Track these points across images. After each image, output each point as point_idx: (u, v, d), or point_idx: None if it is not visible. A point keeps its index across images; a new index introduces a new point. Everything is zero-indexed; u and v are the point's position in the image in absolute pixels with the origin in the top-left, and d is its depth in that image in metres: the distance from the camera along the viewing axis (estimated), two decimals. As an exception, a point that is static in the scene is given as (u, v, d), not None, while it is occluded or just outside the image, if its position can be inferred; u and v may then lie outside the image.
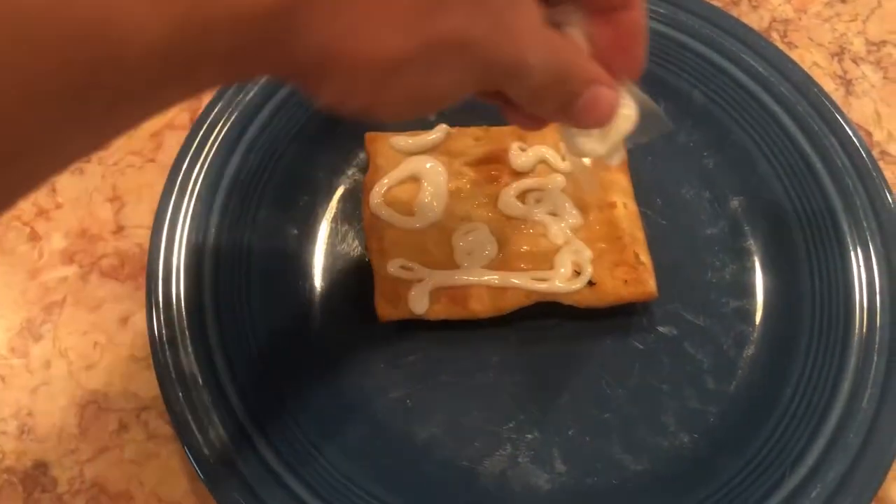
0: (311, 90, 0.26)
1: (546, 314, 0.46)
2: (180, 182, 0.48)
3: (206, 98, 0.53)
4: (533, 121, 0.36)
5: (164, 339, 0.44)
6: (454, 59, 0.26)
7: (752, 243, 0.49)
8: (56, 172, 0.24)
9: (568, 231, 0.46)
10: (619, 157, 0.41)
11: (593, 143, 0.37)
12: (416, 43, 0.25)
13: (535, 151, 0.48)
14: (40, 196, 0.51)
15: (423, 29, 0.24)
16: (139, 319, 0.47)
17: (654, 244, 0.47)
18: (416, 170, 0.48)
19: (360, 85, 0.25)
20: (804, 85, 0.51)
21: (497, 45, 0.27)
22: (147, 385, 0.46)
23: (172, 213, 0.47)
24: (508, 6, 0.27)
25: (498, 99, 0.34)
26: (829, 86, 0.56)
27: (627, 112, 0.36)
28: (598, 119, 0.34)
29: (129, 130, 0.24)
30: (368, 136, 0.50)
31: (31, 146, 0.22)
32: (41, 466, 0.44)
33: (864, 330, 0.45)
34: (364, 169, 0.50)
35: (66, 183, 0.52)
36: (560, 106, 0.33)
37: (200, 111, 0.50)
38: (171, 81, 0.23)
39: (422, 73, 0.26)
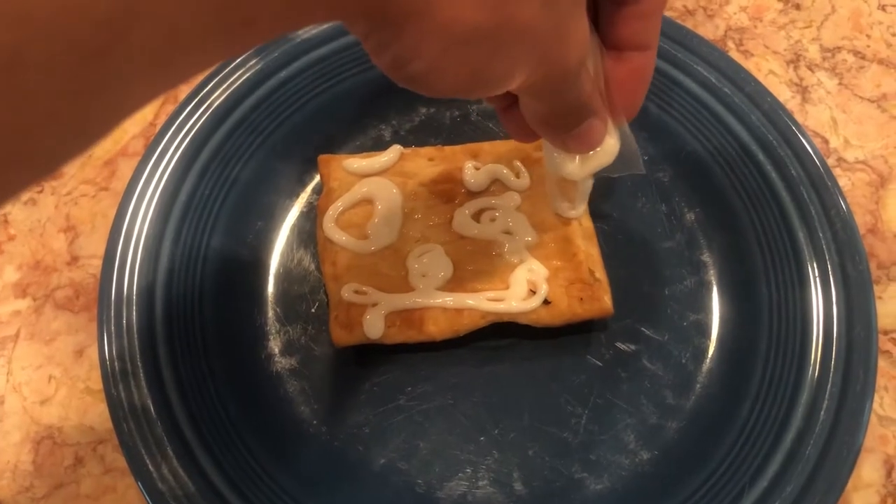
0: (382, 41, 0.26)
1: (503, 334, 0.46)
2: (132, 210, 0.47)
3: (160, 123, 0.52)
4: (526, 134, 0.37)
5: (117, 370, 0.43)
6: (517, 46, 0.27)
7: (708, 256, 0.49)
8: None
9: (523, 249, 0.46)
10: (589, 185, 0.43)
11: (571, 166, 0.40)
12: (492, 19, 0.26)
13: (489, 170, 0.48)
14: (-8, 228, 0.51)
15: (503, 9, 0.26)
16: (94, 351, 0.47)
17: (611, 259, 0.47)
18: (370, 192, 0.48)
19: (431, 46, 0.26)
20: (758, 95, 0.51)
21: (555, 46, 0.29)
22: (103, 418, 0.45)
23: (124, 242, 0.46)
24: (571, 15, 0.29)
25: (504, 101, 0.35)
26: (786, 93, 0.56)
27: (610, 147, 0.38)
28: (585, 148, 0.37)
29: (186, 80, 0.23)
30: (322, 158, 0.50)
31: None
32: (-5, 505, 0.44)
33: (821, 341, 0.45)
34: (319, 191, 0.50)
35: (19, 214, 0.51)
36: (562, 128, 0.35)
37: (153, 137, 0.50)
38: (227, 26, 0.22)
39: (487, 51, 0.27)
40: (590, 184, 0.44)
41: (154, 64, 0.21)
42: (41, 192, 0.52)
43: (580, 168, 0.40)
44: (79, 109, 0.20)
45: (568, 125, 0.35)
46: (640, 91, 0.37)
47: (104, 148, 0.53)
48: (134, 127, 0.54)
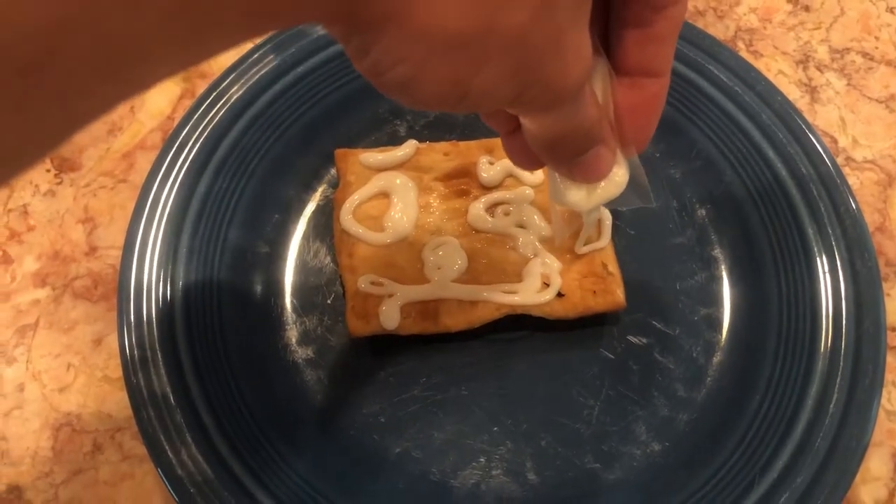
0: (362, 46, 0.25)
1: (516, 326, 0.46)
2: (151, 202, 0.48)
3: (178, 118, 0.53)
4: (530, 161, 0.35)
5: (136, 359, 0.44)
6: (505, 57, 0.25)
7: (719, 251, 0.49)
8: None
9: (537, 243, 0.47)
10: (595, 216, 0.42)
11: (577, 196, 0.38)
12: (477, 26, 0.24)
13: (503, 165, 0.49)
14: (12, 219, 0.51)
15: (488, 15, 0.24)
16: (112, 340, 0.47)
17: (623, 254, 0.48)
18: (386, 185, 0.48)
19: (413, 52, 0.24)
20: (768, 94, 0.52)
21: (550, 60, 0.26)
22: (120, 406, 0.46)
23: (143, 234, 0.47)
24: (570, 27, 0.26)
25: (506, 124, 0.33)
26: (795, 93, 0.57)
27: (619, 179, 0.36)
28: (591, 178, 0.35)
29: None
30: (338, 152, 0.50)
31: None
32: (15, 490, 0.44)
33: (831, 335, 0.45)
34: (335, 185, 0.51)
35: (38, 205, 0.52)
36: (566, 155, 0.33)
37: (171, 131, 0.50)
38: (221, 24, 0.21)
39: (472, 60, 0.25)
40: (596, 216, 0.43)
41: (100, 77, 0.19)
42: (60, 183, 0.53)
43: (586, 199, 0.38)
44: (15, 126, 0.19)
45: (572, 152, 0.33)
46: (651, 121, 0.35)
47: (122, 141, 0.54)
48: (151, 121, 0.55)
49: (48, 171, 0.53)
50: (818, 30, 0.60)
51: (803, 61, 0.59)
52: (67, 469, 0.45)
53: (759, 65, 0.58)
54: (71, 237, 0.51)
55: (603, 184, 0.36)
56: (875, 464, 0.46)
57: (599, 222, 0.48)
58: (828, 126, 0.56)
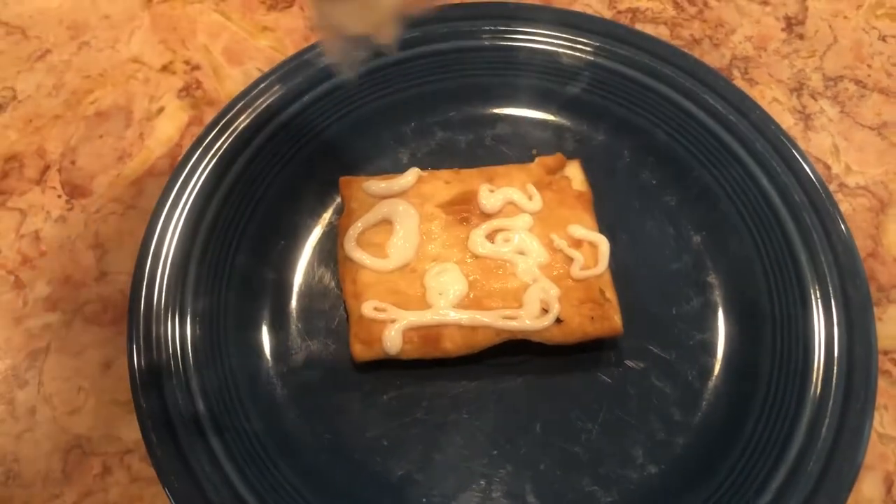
0: None
1: (516, 351, 0.47)
2: (160, 229, 0.49)
3: (186, 144, 0.55)
4: None
5: (146, 383, 0.45)
6: None
7: (714, 277, 0.51)
8: None
9: (536, 269, 0.48)
10: (388, 32, 0.35)
11: (352, 15, 0.32)
12: None
13: (503, 193, 0.50)
14: (25, 244, 0.53)
15: None
16: (122, 364, 0.48)
17: (620, 279, 0.49)
18: (389, 213, 0.50)
19: None
20: (763, 123, 0.53)
21: None
22: (130, 428, 0.47)
23: (153, 260, 0.48)
24: None
25: None
26: (789, 120, 0.58)
27: None
28: None
29: None
30: (343, 180, 0.52)
31: None
32: (26, 511, 0.45)
33: (823, 360, 0.46)
34: (340, 211, 0.52)
35: (50, 231, 0.53)
36: None
37: (180, 158, 0.52)
38: None
39: None
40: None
41: None
42: (71, 209, 0.54)
43: (362, 14, 0.32)
44: None
45: None
46: None
47: (131, 167, 0.56)
48: (160, 147, 0.56)
49: (59, 196, 0.54)
50: (812, 58, 0.61)
51: (797, 89, 0.60)
52: (77, 491, 0.46)
53: (754, 92, 0.59)
54: (81, 262, 0.52)
55: None
56: (867, 486, 0.47)
57: (596, 249, 0.49)
58: (821, 153, 0.57)
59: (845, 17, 0.63)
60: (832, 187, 0.55)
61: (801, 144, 0.55)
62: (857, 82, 0.60)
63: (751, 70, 0.61)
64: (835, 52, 0.62)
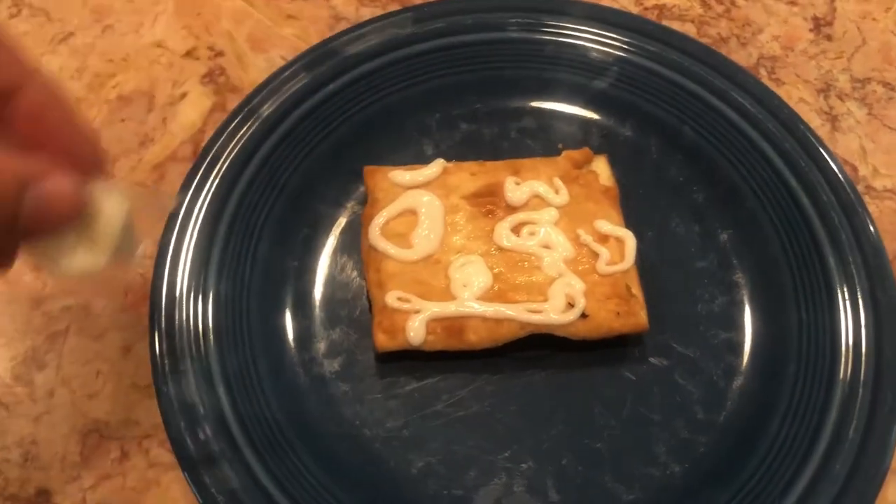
0: None
1: (540, 345, 0.47)
2: (183, 214, 0.49)
3: (209, 130, 0.54)
4: None
5: (167, 368, 0.44)
6: None
7: (740, 276, 0.50)
8: None
9: (561, 263, 0.47)
10: (131, 255, 0.35)
11: (85, 254, 0.32)
12: None
13: (529, 186, 0.50)
14: (45, 226, 0.52)
15: None
16: (142, 348, 0.48)
17: (645, 276, 0.49)
18: (414, 203, 0.49)
19: None
20: (791, 122, 0.53)
21: None
22: (148, 413, 0.47)
23: (175, 245, 0.48)
24: None
25: None
26: (816, 122, 0.58)
27: (111, 202, 0.32)
28: (60, 217, 0.30)
29: None
30: (367, 169, 0.51)
31: None
32: (44, 494, 0.45)
33: (850, 362, 0.46)
34: (363, 202, 0.52)
35: (71, 214, 0.53)
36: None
37: (204, 144, 0.51)
38: None
39: None
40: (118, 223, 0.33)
41: None
42: (93, 193, 0.54)
43: (94, 250, 0.32)
44: None
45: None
46: (64, 134, 0.31)
47: (153, 152, 0.55)
48: (183, 132, 0.56)
49: (81, 180, 0.54)
50: (840, 59, 0.61)
51: (824, 90, 0.60)
52: (95, 474, 0.46)
53: (781, 92, 0.59)
54: (102, 246, 0.52)
55: (99, 221, 0.31)
56: (892, 491, 0.46)
57: (623, 245, 0.48)
58: (848, 155, 0.57)
59: (874, 19, 0.63)
60: (859, 189, 0.54)
61: (828, 146, 0.55)
62: (886, 84, 0.60)
63: (777, 70, 0.61)
64: (863, 54, 0.61)
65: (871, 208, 0.54)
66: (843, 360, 0.46)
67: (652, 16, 0.62)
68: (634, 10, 0.62)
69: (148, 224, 0.34)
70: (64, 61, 0.59)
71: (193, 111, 0.57)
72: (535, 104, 0.55)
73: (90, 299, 0.50)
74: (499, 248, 0.48)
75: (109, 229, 0.32)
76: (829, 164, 0.51)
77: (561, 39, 0.56)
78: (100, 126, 0.56)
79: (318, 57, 0.54)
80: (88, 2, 0.62)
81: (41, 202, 0.29)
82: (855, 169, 0.56)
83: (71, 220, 0.30)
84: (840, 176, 0.51)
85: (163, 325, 0.46)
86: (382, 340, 0.46)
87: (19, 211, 0.28)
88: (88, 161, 0.32)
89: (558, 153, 0.52)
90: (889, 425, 0.44)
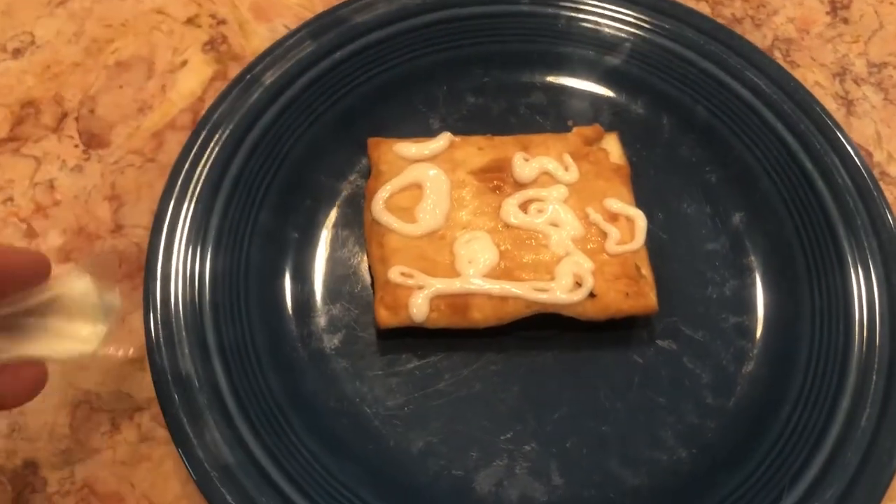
0: None
1: (546, 325, 0.46)
2: (181, 183, 0.47)
3: (209, 99, 0.53)
4: None
5: (161, 339, 0.43)
6: None
7: (752, 259, 0.49)
8: None
9: (569, 242, 0.46)
10: (116, 308, 0.38)
11: (85, 327, 0.36)
12: None
13: (539, 162, 0.48)
14: (38, 192, 0.51)
15: None
16: (135, 319, 0.47)
17: (655, 258, 0.47)
18: (419, 177, 0.48)
19: None
20: (807, 103, 0.52)
21: None
22: (141, 386, 0.45)
23: (172, 214, 0.46)
24: None
25: None
26: (831, 106, 0.57)
27: (72, 283, 0.35)
28: (28, 396, 0.35)
29: None
30: (371, 141, 0.50)
31: None
32: (31, 465, 0.43)
33: (864, 349, 0.45)
34: (366, 174, 0.50)
35: (65, 180, 0.51)
36: None
37: (203, 112, 0.50)
38: None
39: None
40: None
41: None
42: (88, 159, 0.52)
43: (86, 324, 0.36)
44: None
45: None
46: None
47: (152, 120, 0.54)
48: (182, 101, 0.54)
49: (76, 146, 0.52)
50: (856, 43, 0.60)
51: (840, 74, 0.58)
52: (84, 447, 0.44)
53: (796, 75, 0.57)
54: (97, 214, 0.50)
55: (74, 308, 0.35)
56: (903, 481, 0.45)
57: (633, 224, 0.47)
58: (863, 140, 0.56)
59: (891, 3, 0.62)
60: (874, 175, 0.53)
61: (844, 130, 0.54)
62: (902, 70, 0.59)
63: (793, 52, 0.59)
64: (880, 38, 0.60)
65: (886, 195, 0.53)
66: (856, 346, 0.45)
67: (665, -6, 0.61)
68: (647, -13, 0.61)
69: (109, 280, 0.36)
70: (61, 25, 0.57)
71: (194, 79, 0.56)
72: (545, 79, 0.54)
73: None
74: (506, 224, 0.47)
75: (89, 300, 0.35)
76: (845, 147, 0.50)
77: (574, 14, 0.54)
78: (97, 92, 0.54)
79: (325, 24, 0.52)
80: (87, -35, 0.60)
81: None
82: (870, 154, 0.55)
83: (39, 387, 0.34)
84: (856, 159, 0.50)
85: (157, 296, 0.44)
86: (384, 316, 0.44)
87: None
88: (31, 274, 0.34)
89: (568, 130, 0.51)
90: (903, 414, 0.43)
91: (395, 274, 0.45)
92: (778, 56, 0.59)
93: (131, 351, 0.45)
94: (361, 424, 0.44)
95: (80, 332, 0.36)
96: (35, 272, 0.35)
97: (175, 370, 0.42)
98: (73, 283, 0.35)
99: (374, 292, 0.46)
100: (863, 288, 0.46)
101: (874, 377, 0.44)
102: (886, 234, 0.47)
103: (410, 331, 0.45)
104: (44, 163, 0.52)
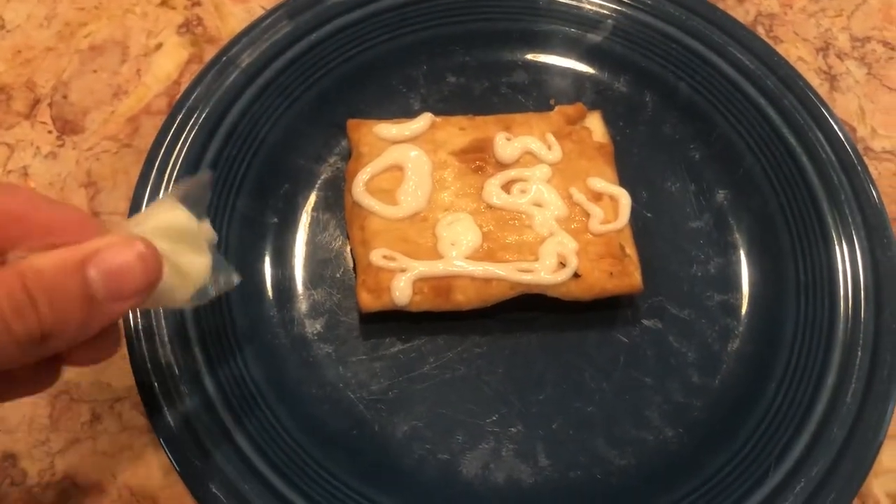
0: None
1: (530, 306, 0.45)
2: (157, 168, 0.46)
3: (185, 83, 0.52)
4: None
5: (141, 329, 0.42)
6: None
7: (737, 237, 0.49)
8: None
9: (553, 222, 0.46)
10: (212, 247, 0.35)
11: (194, 258, 0.33)
12: None
13: (521, 142, 0.48)
14: (12, 180, 0.50)
15: None
16: (113, 308, 0.46)
17: (639, 237, 0.47)
18: (400, 158, 0.47)
19: None
20: (790, 79, 0.51)
21: None
22: (120, 375, 0.45)
23: (149, 200, 0.45)
24: None
25: None
26: (814, 81, 0.56)
27: (162, 213, 0.32)
28: (137, 274, 0.29)
29: None
30: (351, 123, 0.49)
31: None
32: (10, 458, 0.43)
33: (849, 325, 0.45)
34: (346, 157, 0.49)
35: (39, 167, 0.50)
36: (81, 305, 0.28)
37: (179, 96, 0.49)
38: None
39: None
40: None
41: None
42: (62, 146, 0.51)
43: (184, 283, 0.32)
44: None
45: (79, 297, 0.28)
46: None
47: (127, 105, 0.53)
48: (158, 85, 0.53)
49: (50, 132, 0.51)
50: (839, 17, 0.59)
51: (823, 49, 0.58)
52: (65, 438, 0.43)
53: (779, 50, 0.57)
54: (72, 201, 0.49)
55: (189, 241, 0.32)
56: (888, 456, 0.45)
57: (617, 203, 0.46)
58: (847, 115, 0.55)
59: (874, -23, 0.61)
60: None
61: (828, 105, 0.53)
62: (886, 44, 0.58)
63: (776, 28, 0.59)
64: (863, 13, 0.59)
65: (870, 169, 0.53)
66: (841, 322, 0.45)
67: (647, -30, 0.60)
68: (629, -37, 0.60)
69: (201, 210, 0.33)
70: (32, 8, 0.56)
71: (169, 62, 0.54)
72: (527, 58, 0.53)
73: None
74: (488, 205, 0.46)
75: (191, 230, 0.32)
76: (829, 123, 0.50)
77: (554, -9, 0.53)
78: (70, 77, 0.53)
79: (302, 4, 0.52)
80: (57, -53, 0.59)
81: (108, 268, 0.28)
82: (853, 129, 0.55)
83: (156, 269, 0.30)
84: (840, 134, 0.49)
85: (135, 282, 0.43)
86: (366, 300, 0.44)
87: (91, 292, 0.28)
88: (86, 227, 0.31)
89: (551, 109, 0.50)
90: (888, 389, 0.43)
91: (376, 257, 0.44)
92: (761, 31, 0.58)
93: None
94: (345, 410, 0.43)
95: (194, 262, 0.33)
96: (79, 228, 0.31)
97: (155, 359, 0.42)
98: (175, 213, 0.32)
99: (355, 276, 0.46)
100: (847, 263, 0.46)
101: (859, 352, 0.44)
102: (870, 209, 0.47)
103: (394, 314, 0.44)
104: (17, 150, 0.51)
